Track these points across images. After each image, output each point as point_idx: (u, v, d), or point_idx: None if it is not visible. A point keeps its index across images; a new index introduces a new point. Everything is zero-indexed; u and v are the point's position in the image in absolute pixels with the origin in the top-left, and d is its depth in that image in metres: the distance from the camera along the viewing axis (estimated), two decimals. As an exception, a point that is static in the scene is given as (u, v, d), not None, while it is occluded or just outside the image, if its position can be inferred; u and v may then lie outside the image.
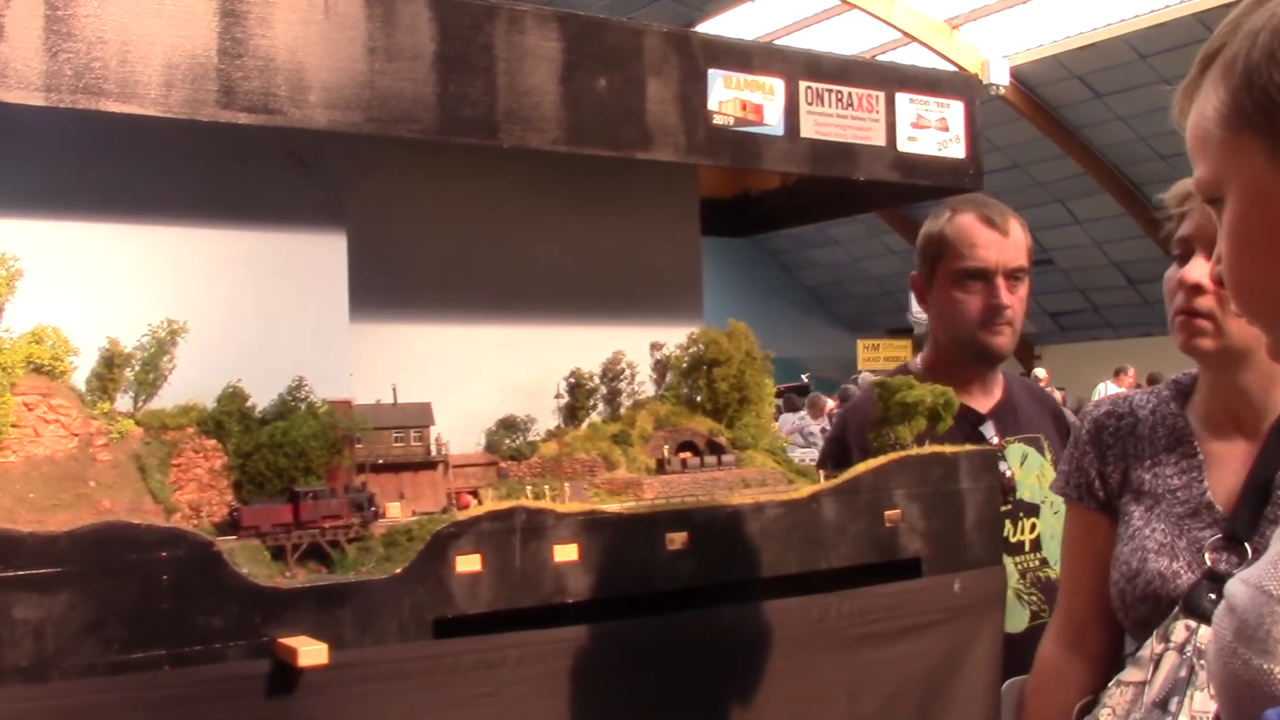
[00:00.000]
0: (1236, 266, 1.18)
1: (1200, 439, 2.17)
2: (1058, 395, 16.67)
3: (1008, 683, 2.31)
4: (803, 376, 19.57)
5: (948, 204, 3.20)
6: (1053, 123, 21.44)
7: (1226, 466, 2.12)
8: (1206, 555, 2.00)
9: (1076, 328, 25.85)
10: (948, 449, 2.92)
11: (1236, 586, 1.12)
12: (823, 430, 16.14)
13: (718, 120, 2.73)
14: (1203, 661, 1.80)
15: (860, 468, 2.85)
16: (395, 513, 2.49)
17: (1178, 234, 2.15)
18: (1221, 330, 2.07)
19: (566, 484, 2.71)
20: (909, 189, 3.17)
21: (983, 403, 3.29)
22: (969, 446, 2.93)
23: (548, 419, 3.00)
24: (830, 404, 17.20)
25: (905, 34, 20.39)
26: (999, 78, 20.09)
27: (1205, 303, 2.07)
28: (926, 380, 3.13)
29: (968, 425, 3.22)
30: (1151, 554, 2.06)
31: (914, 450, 2.92)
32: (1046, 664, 2.30)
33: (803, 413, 16.84)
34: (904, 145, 3.01)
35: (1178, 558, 2.03)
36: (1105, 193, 21.90)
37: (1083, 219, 22.84)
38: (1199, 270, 2.07)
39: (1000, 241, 3.05)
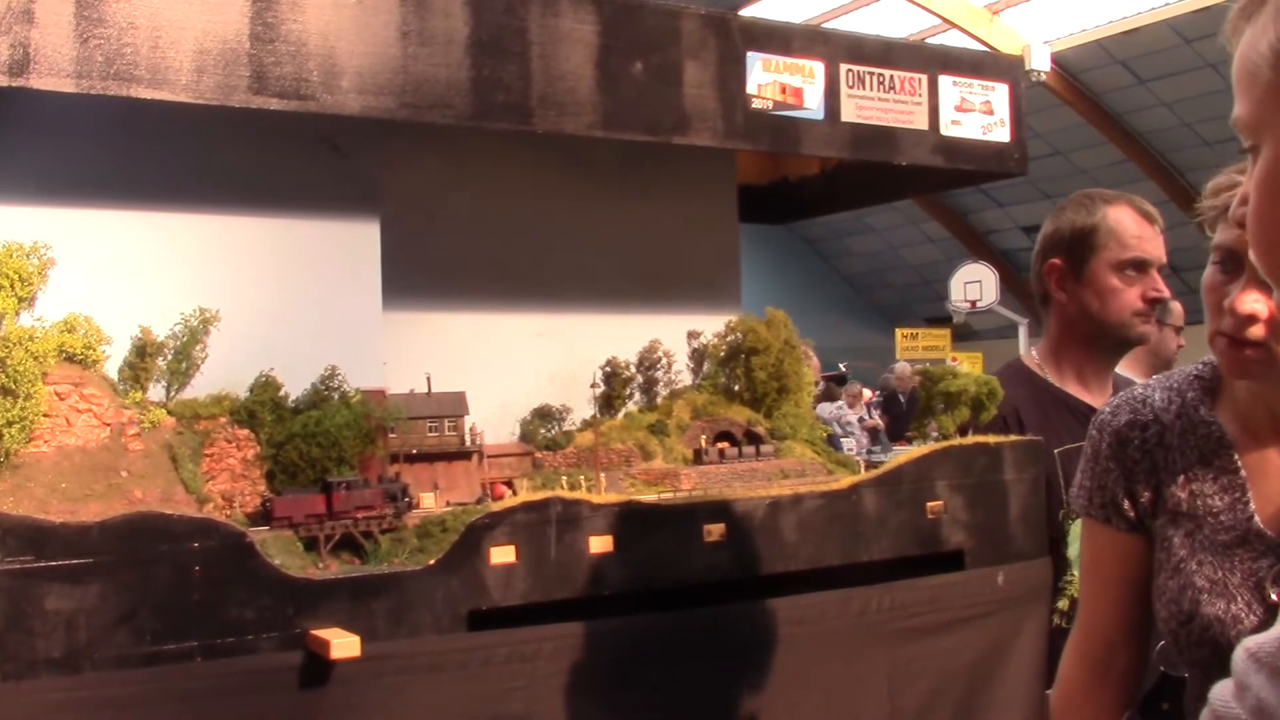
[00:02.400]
0: (1265, 218, 1.11)
1: (1239, 448, 1.96)
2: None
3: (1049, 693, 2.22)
4: (840, 366, 19.48)
5: (1082, 198, 3.16)
6: (1095, 109, 21.16)
7: (1272, 482, 1.93)
8: (1271, 592, 1.82)
9: (1119, 316, 25.53)
10: (991, 439, 2.86)
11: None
12: (860, 420, 16.06)
13: (756, 104, 2.68)
14: None
15: (902, 457, 2.80)
16: (429, 503, 2.47)
17: (1216, 239, 1.98)
18: (1273, 359, 1.87)
19: (602, 474, 2.68)
20: (952, 174, 3.11)
21: (1099, 399, 3.21)
22: (1014, 437, 2.87)
23: (583, 408, 2.97)
24: (868, 393, 17.10)
25: (945, 20, 20.19)
26: (1040, 63, 19.85)
27: (1257, 331, 1.88)
28: (1049, 371, 3.09)
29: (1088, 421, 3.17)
30: (1205, 595, 1.86)
31: (956, 440, 2.87)
32: (1072, 686, 2.15)
33: (840, 402, 16.74)
34: (947, 129, 2.95)
35: (1235, 598, 1.84)
36: (1148, 180, 21.60)
37: (1125, 206, 22.56)
38: (1252, 302, 1.87)
39: (1156, 236, 3.14)
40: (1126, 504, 2.01)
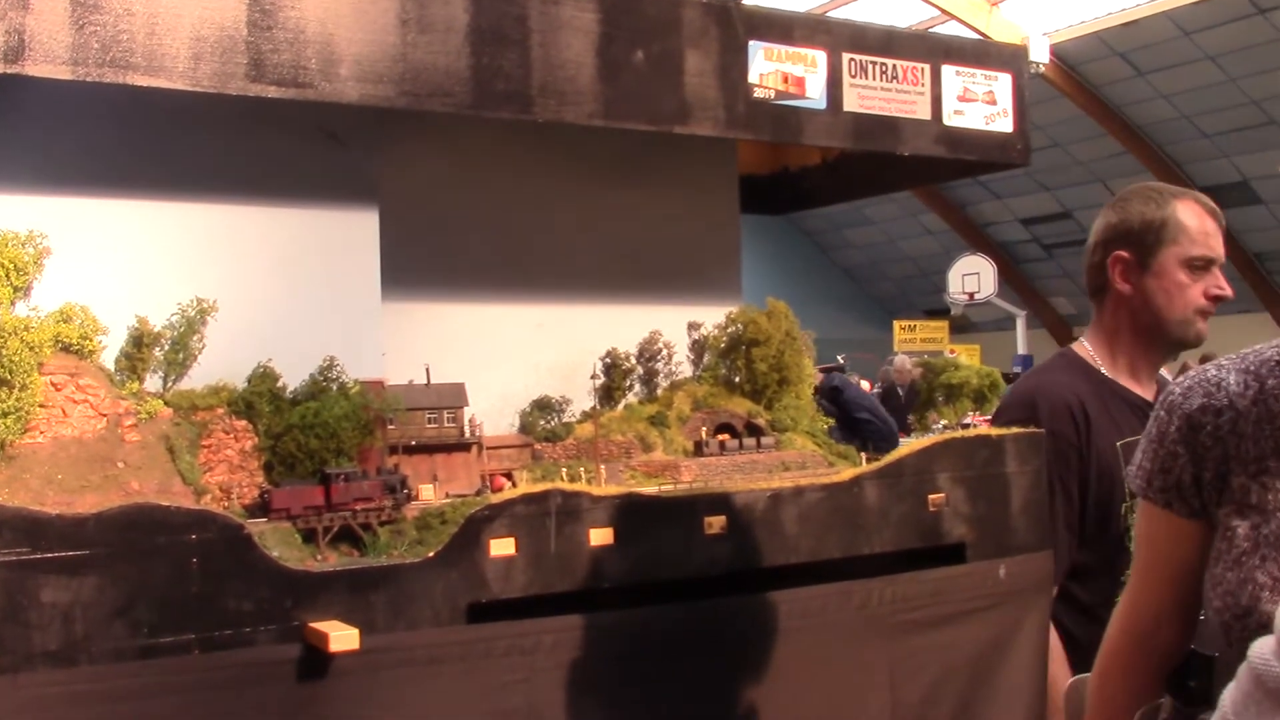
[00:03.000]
0: None
1: None
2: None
3: (1075, 679, 2.16)
4: (838, 357, 19.51)
5: (1149, 191, 3.10)
6: (1094, 101, 21.12)
7: None
8: None
9: (1116, 309, 25.55)
10: (995, 432, 2.84)
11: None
12: (858, 412, 16.01)
13: (758, 94, 2.66)
14: None
15: (903, 450, 2.79)
16: (428, 495, 2.45)
17: None
18: None
19: (602, 466, 2.66)
20: (954, 164, 3.09)
21: (1148, 394, 3.16)
22: (1017, 430, 2.85)
23: (583, 400, 2.95)
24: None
25: (944, 11, 20.13)
26: (1039, 55, 19.76)
27: None
28: (1103, 362, 3.03)
29: (1145, 416, 3.09)
30: (1266, 591, 1.75)
31: (958, 432, 2.86)
32: (1112, 654, 2.05)
33: (838, 394, 16.72)
34: (950, 119, 2.93)
35: None
36: (1147, 172, 21.56)
37: (1124, 199, 22.55)
38: None
39: (1219, 233, 3.07)
40: (1192, 491, 1.91)
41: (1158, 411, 1.95)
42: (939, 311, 22.22)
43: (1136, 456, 1.98)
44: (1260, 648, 1.02)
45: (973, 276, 19.33)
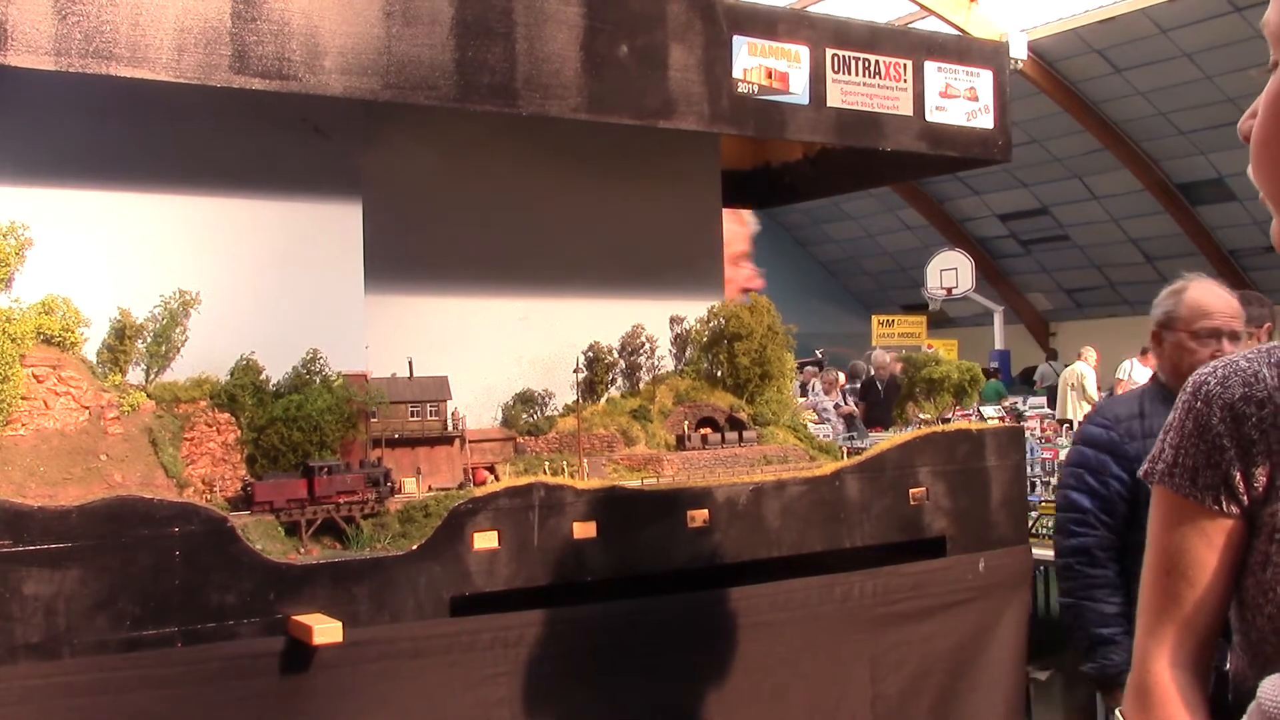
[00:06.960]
0: (1268, 135, 1.15)
1: None
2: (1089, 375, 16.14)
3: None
4: (816, 352, 19.54)
5: None
6: (1071, 97, 21.23)
7: None
8: None
9: (1093, 304, 25.67)
10: (974, 425, 2.87)
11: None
12: (836, 406, 16.08)
13: (742, 88, 2.67)
14: None
15: (884, 444, 2.80)
16: (411, 488, 2.45)
17: None
18: None
19: (585, 460, 2.67)
20: (936, 160, 3.10)
21: None
22: (995, 424, 2.87)
23: (566, 393, 2.96)
24: (843, 379, 17.14)
25: (922, 6, 20.22)
26: (1017, 51, 19.84)
27: None
28: None
29: None
30: None
31: (938, 426, 2.88)
32: (1168, 691, 1.76)
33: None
34: (932, 115, 2.94)
35: None
36: (1124, 168, 21.71)
37: (1100, 195, 22.60)
38: None
39: None
40: (1241, 487, 1.74)
41: (1194, 404, 1.79)
42: (917, 306, 22.32)
43: (1162, 450, 1.82)
44: (1271, 688, 0.99)
45: (950, 272, 19.44)
